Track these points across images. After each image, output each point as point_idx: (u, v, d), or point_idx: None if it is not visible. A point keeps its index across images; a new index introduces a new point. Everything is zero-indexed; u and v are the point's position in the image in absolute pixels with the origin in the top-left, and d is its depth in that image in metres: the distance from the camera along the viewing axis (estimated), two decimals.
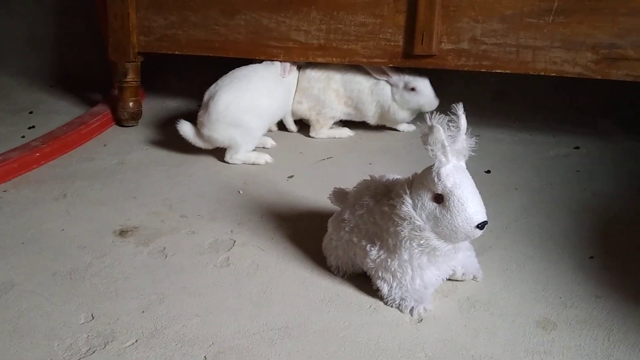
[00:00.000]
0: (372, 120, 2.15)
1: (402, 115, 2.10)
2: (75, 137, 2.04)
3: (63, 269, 1.33)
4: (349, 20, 1.95)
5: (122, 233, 1.48)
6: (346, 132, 2.16)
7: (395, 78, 2.03)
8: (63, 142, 1.99)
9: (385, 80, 2.05)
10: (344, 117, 2.15)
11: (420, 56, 1.91)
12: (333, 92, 2.08)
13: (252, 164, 1.90)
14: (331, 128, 2.15)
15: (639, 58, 1.77)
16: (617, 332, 1.13)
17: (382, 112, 2.10)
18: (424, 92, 2.04)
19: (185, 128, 1.89)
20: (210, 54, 2.10)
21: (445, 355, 1.07)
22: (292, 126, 2.18)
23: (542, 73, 1.87)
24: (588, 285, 1.28)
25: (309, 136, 2.13)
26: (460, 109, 1.10)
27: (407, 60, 1.94)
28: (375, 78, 2.05)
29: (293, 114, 2.15)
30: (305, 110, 2.11)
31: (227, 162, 1.90)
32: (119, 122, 2.22)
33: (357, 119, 2.16)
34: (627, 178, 1.82)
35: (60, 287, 1.26)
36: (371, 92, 2.07)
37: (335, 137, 2.14)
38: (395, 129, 2.20)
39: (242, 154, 1.89)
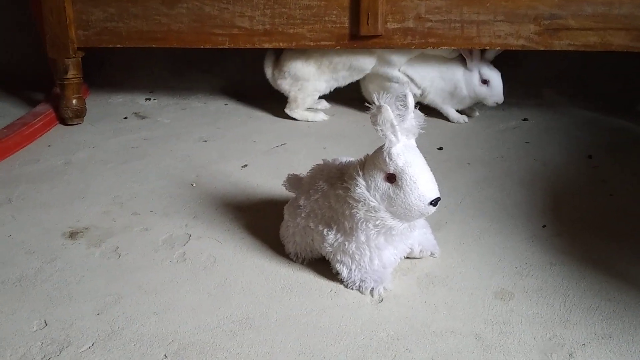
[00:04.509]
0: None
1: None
2: (17, 139, 1.96)
3: (12, 277, 1.28)
4: (294, 4, 1.92)
5: (72, 235, 1.43)
6: (320, 116, 2.14)
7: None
8: (5, 145, 1.90)
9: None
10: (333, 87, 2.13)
11: (367, 37, 1.90)
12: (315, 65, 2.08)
13: None
14: (308, 109, 2.13)
15: (579, 27, 1.81)
16: (573, 297, 1.16)
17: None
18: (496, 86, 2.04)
19: None
20: (153, 45, 2.04)
21: (406, 333, 1.07)
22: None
23: (488, 47, 1.90)
24: (542, 253, 1.31)
25: (279, 116, 2.13)
26: (407, 86, 1.10)
27: (354, 42, 1.93)
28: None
29: (277, 85, 2.15)
30: (286, 85, 2.11)
31: None
32: (63, 121, 2.14)
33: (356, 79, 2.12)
34: (575, 146, 1.87)
35: (9, 296, 1.21)
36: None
37: (308, 120, 2.12)
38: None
39: None
